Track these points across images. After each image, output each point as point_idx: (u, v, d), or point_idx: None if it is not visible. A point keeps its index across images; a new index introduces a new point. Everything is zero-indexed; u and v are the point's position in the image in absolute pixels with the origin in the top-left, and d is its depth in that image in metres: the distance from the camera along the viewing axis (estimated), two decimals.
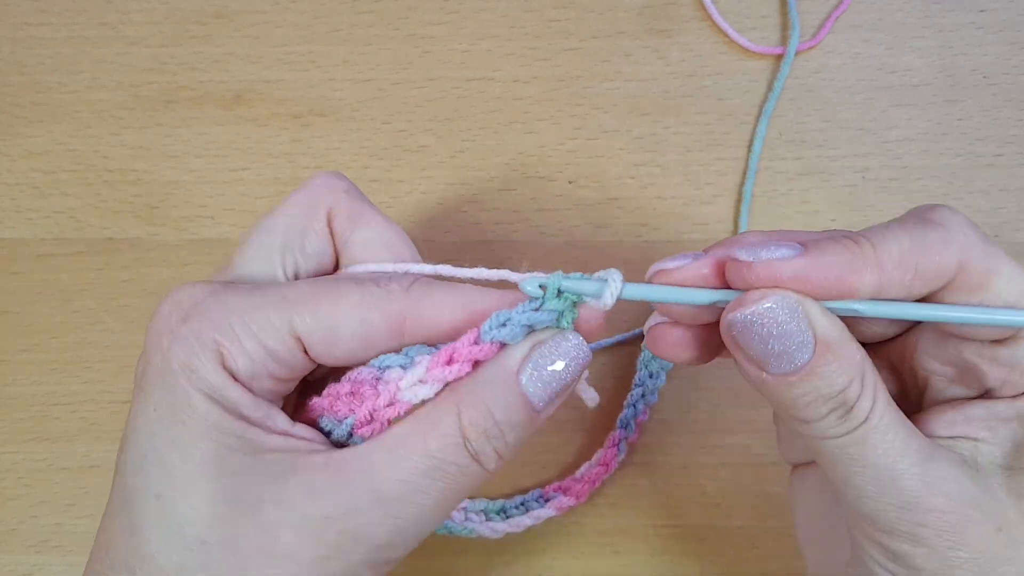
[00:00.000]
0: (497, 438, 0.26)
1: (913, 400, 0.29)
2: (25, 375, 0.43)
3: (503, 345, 0.26)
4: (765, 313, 0.24)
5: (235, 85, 0.46)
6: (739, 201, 0.44)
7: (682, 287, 0.26)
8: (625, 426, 0.40)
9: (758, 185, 0.44)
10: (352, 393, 0.27)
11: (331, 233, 0.30)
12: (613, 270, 0.27)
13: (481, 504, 0.40)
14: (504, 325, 0.26)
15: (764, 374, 0.24)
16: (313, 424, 0.28)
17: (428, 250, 0.43)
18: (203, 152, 0.45)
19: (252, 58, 0.46)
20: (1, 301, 0.44)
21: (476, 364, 0.26)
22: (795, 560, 0.39)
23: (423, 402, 0.26)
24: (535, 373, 0.26)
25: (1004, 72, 0.45)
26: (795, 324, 0.24)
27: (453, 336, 0.26)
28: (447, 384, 0.26)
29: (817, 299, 0.24)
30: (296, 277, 0.29)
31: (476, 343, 0.26)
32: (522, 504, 0.39)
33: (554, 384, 0.26)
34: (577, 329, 0.27)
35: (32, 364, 0.43)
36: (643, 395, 0.40)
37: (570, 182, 0.44)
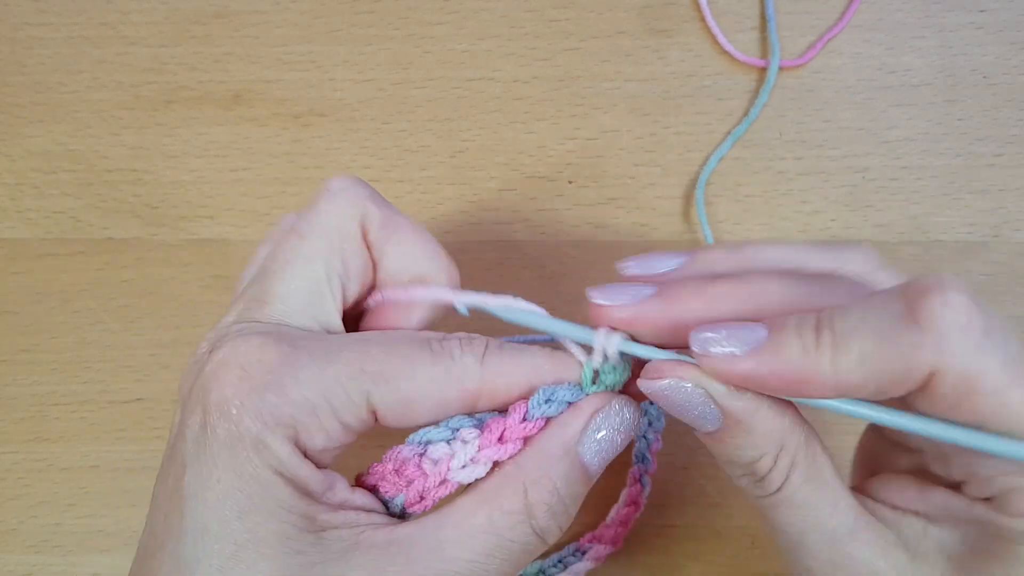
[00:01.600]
0: (561, 514, 0.26)
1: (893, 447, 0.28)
2: (25, 375, 0.43)
3: (548, 419, 0.27)
4: (665, 389, 0.24)
5: (235, 85, 0.46)
6: (698, 206, 0.44)
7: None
8: (642, 459, 0.39)
9: (758, 185, 0.44)
10: (397, 472, 0.27)
11: (367, 245, 0.29)
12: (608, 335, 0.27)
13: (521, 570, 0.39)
14: (549, 402, 0.27)
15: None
16: (371, 489, 0.27)
17: None
18: (203, 152, 0.45)
19: (252, 58, 0.46)
20: (1, 301, 0.44)
21: (526, 441, 0.27)
22: None
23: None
24: (593, 443, 0.26)
25: (1004, 72, 0.45)
26: (697, 400, 0.24)
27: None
28: (496, 463, 0.26)
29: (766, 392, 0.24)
30: (345, 304, 0.29)
31: (524, 420, 0.26)
32: (560, 562, 0.38)
33: (610, 451, 0.27)
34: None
35: (32, 364, 0.43)
36: (650, 423, 0.39)
37: (570, 182, 0.44)
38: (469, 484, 0.27)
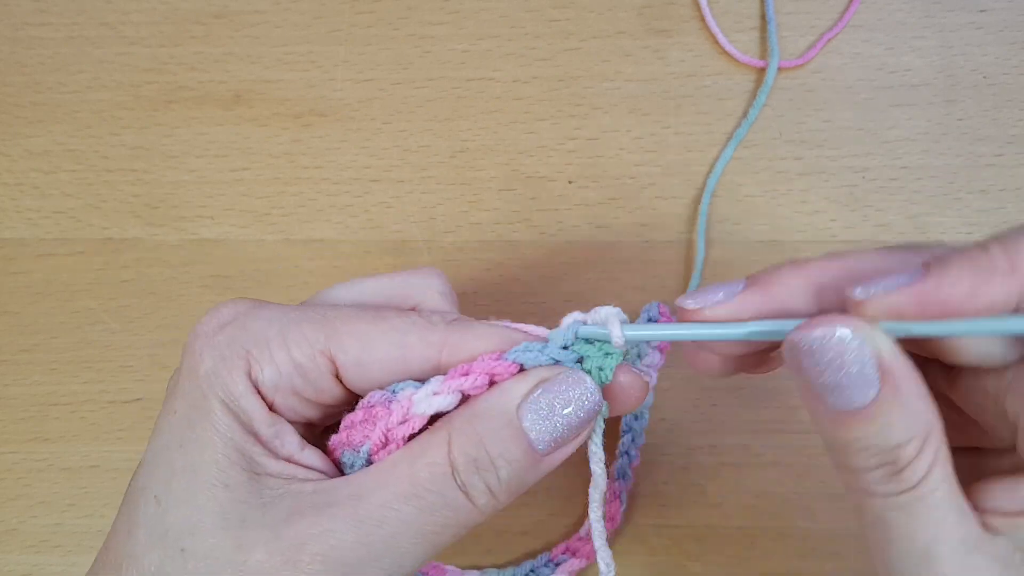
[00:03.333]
0: (488, 471, 0.25)
1: (1002, 443, 0.26)
2: (25, 375, 0.43)
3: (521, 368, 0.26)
4: (833, 341, 0.22)
5: (235, 85, 0.46)
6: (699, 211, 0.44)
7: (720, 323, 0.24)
8: (622, 475, 0.39)
9: (758, 185, 0.44)
10: (365, 420, 0.26)
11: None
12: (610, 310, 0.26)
13: (491, 574, 0.38)
14: (529, 351, 0.25)
15: (821, 406, 0.22)
16: (339, 447, 0.27)
17: (428, 250, 0.44)
18: (203, 152, 0.45)
19: (252, 58, 0.46)
20: (1, 301, 0.44)
21: (494, 378, 0.25)
22: (795, 560, 0.39)
23: (439, 415, 0.25)
24: (538, 412, 0.25)
25: (1004, 72, 0.45)
26: (863, 358, 0.22)
27: None
28: (465, 397, 0.25)
29: (932, 319, 0.22)
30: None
31: (498, 359, 0.25)
32: (532, 572, 0.38)
33: (559, 428, 0.25)
34: (615, 395, 0.27)
35: (32, 364, 0.43)
36: (632, 439, 0.39)
37: (570, 182, 0.44)
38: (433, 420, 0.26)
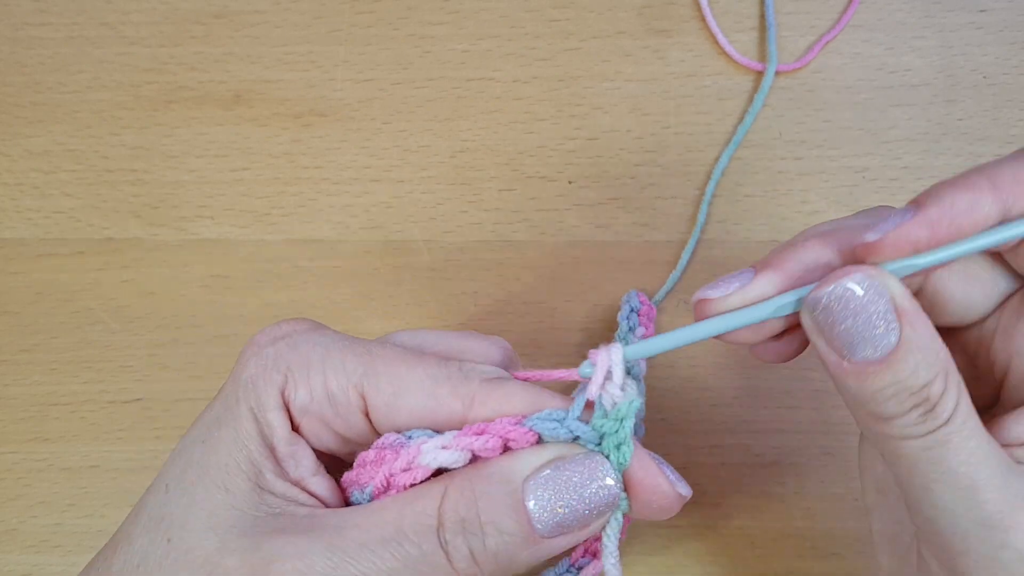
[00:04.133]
0: (475, 536, 0.23)
1: (984, 400, 0.27)
2: (25, 375, 0.43)
3: (539, 437, 0.24)
4: (848, 293, 0.22)
5: (235, 85, 0.46)
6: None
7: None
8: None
9: (758, 185, 0.44)
10: (376, 460, 0.26)
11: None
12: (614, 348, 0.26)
13: None
14: (553, 421, 0.24)
15: (845, 362, 0.23)
16: (351, 484, 0.27)
17: (428, 250, 0.44)
18: (203, 152, 0.45)
19: (252, 58, 0.46)
20: (1, 301, 0.44)
21: (508, 442, 0.24)
22: (795, 560, 0.39)
23: (443, 471, 0.25)
24: (546, 491, 0.24)
25: (1004, 72, 0.45)
26: (880, 304, 0.22)
27: None
28: (475, 457, 0.24)
29: (940, 244, 0.23)
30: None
31: (516, 423, 0.24)
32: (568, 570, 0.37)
33: (566, 514, 0.24)
34: (634, 491, 0.25)
35: (32, 364, 0.43)
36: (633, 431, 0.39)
37: (570, 182, 0.44)
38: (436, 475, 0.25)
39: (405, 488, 0.25)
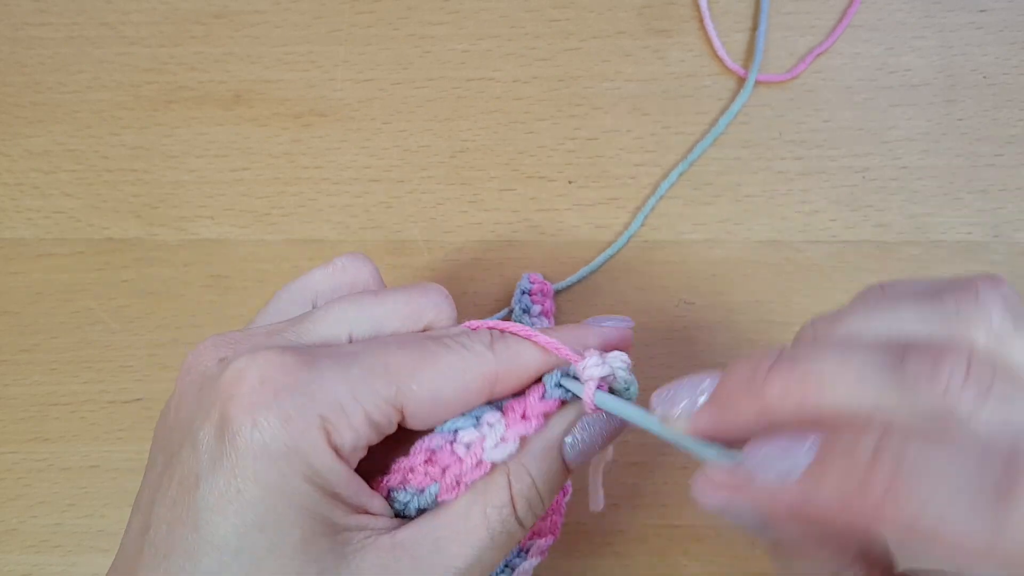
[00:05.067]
0: (538, 505, 0.27)
1: None
2: (25, 375, 0.43)
3: (563, 402, 0.28)
4: (725, 507, 0.24)
5: (235, 85, 0.46)
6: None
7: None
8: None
9: (758, 185, 0.44)
10: (429, 461, 0.27)
11: None
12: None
13: None
14: (560, 386, 0.28)
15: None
16: (393, 487, 0.28)
17: (428, 250, 0.44)
18: (203, 152, 0.45)
19: (252, 58, 0.46)
20: (1, 301, 0.44)
21: (547, 416, 0.28)
22: None
23: (507, 458, 0.28)
24: (575, 445, 0.28)
25: (1004, 72, 0.45)
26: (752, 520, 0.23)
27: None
28: (523, 438, 0.28)
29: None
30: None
31: (543, 398, 0.28)
32: (507, 566, 0.37)
33: (590, 451, 0.28)
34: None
35: (32, 364, 0.43)
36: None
37: (570, 182, 0.44)
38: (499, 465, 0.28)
39: (472, 483, 0.27)
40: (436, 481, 0.27)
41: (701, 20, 0.46)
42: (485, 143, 0.45)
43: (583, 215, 0.44)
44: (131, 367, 0.43)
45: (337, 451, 0.24)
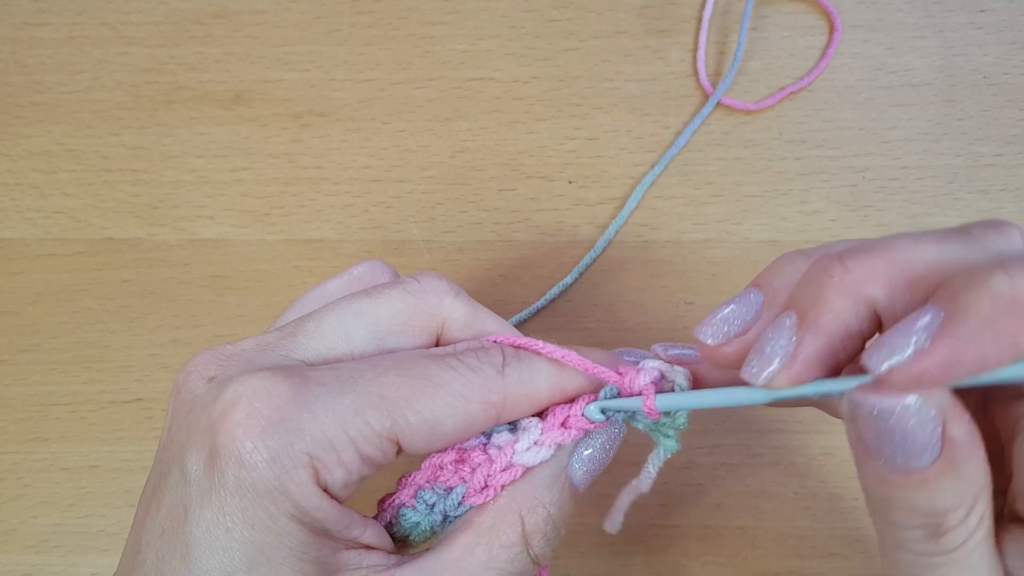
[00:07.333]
0: (555, 538, 0.26)
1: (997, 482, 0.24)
2: (25, 375, 0.43)
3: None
4: (901, 411, 0.20)
5: (235, 85, 0.46)
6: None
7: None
8: None
9: (758, 185, 0.44)
10: (459, 461, 0.26)
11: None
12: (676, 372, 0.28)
13: None
14: (608, 410, 0.27)
15: (871, 461, 0.21)
16: (385, 522, 0.27)
17: (428, 250, 0.44)
18: (203, 152, 0.45)
19: (252, 58, 0.46)
20: (1, 301, 0.44)
21: (586, 434, 0.27)
22: (795, 560, 0.39)
23: (539, 464, 0.26)
24: (582, 463, 0.27)
25: (1004, 72, 0.45)
26: (928, 430, 0.20)
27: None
28: (559, 446, 0.27)
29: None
30: None
31: (581, 412, 0.27)
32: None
33: (597, 467, 0.27)
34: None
35: (32, 364, 0.43)
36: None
37: (570, 182, 0.44)
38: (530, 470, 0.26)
39: (503, 488, 0.26)
40: (465, 482, 0.26)
41: (701, 21, 0.46)
42: (485, 143, 0.45)
43: (583, 215, 0.44)
44: (131, 367, 0.43)
45: (326, 489, 0.24)
